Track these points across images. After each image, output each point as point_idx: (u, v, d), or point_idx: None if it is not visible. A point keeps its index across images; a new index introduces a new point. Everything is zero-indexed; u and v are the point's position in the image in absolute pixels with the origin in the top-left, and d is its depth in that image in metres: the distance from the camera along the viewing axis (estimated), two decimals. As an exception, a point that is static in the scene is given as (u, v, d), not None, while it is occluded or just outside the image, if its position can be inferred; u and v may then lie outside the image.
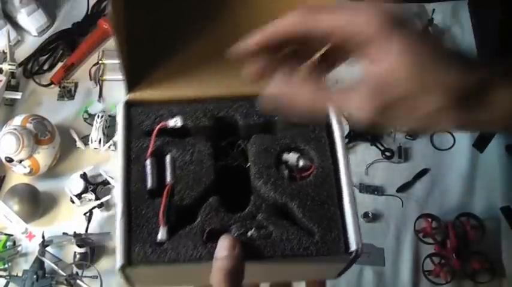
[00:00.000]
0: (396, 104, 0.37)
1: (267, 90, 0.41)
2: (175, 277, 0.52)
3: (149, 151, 0.49)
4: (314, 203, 0.47)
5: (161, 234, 0.46)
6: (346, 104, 0.39)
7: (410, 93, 0.36)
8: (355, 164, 0.98)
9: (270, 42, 0.41)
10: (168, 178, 0.48)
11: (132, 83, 0.52)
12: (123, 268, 0.46)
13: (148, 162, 0.48)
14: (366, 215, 0.93)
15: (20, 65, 1.06)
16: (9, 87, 1.03)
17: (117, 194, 0.48)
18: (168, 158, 0.49)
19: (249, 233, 0.46)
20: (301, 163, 0.50)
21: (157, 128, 0.49)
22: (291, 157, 0.50)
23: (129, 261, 0.46)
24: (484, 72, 0.37)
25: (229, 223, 0.47)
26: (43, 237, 0.85)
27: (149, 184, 0.48)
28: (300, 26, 0.40)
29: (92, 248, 0.87)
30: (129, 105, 0.52)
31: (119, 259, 0.46)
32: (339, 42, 0.40)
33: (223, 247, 0.44)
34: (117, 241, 0.46)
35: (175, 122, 0.49)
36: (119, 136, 0.50)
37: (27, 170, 0.90)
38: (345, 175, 0.48)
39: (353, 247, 0.45)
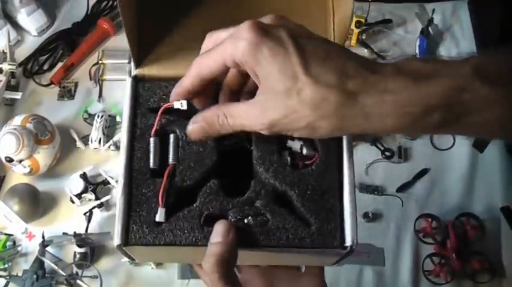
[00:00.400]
0: (278, 122, 0.40)
1: (188, 128, 0.45)
2: (171, 256, 0.52)
3: (153, 129, 0.49)
4: (314, 193, 0.47)
5: (159, 215, 0.46)
6: (242, 124, 0.42)
7: (283, 115, 0.39)
8: (355, 163, 0.98)
9: (189, 92, 0.45)
10: (171, 159, 0.48)
11: (140, 59, 0.52)
12: (119, 247, 0.46)
13: (152, 140, 0.48)
14: (366, 215, 0.93)
15: (20, 65, 1.06)
16: (9, 87, 1.03)
17: (119, 171, 0.48)
18: (171, 137, 0.49)
19: (246, 221, 0.47)
20: (304, 151, 0.49)
21: (162, 108, 0.48)
22: (295, 144, 0.49)
23: (126, 240, 0.46)
24: (354, 82, 0.38)
25: (227, 207, 0.47)
26: (43, 237, 0.85)
27: (151, 163, 0.48)
28: (199, 76, 0.43)
29: (92, 248, 0.87)
30: (136, 81, 0.52)
31: (116, 237, 0.46)
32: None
33: (217, 232, 0.44)
34: (116, 219, 0.46)
35: (181, 104, 0.47)
36: (125, 111, 0.50)
37: (27, 170, 0.90)
38: (347, 167, 0.48)
39: (348, 242, 0.45)
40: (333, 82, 0.37)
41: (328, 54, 0.39)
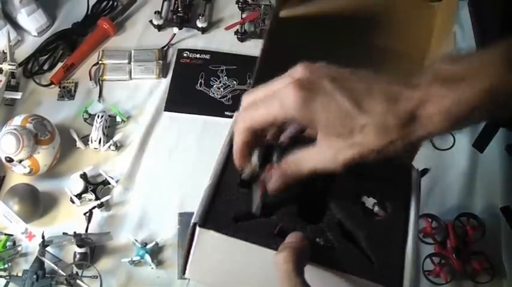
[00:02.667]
0: (351, 160, 0.45)
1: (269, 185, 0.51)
2: (231, 266, 0.52)
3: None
4: (380, 240, 0.51)
5: (256, 208, 0.51)
6: (314, 166, 0.47)
7: (354, 153, 0.44)
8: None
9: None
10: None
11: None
12: (193, 228, 0.49)
13: (256, 151, 0.52)
14: (366, 215, 0.93)
15: (20, 65, 1.06)
16: (9, 87, 1.03)
17: (215, 164, 0.54)
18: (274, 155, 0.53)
19: (317, 240, 0.50)
20: (375, 209, 0.54)
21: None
22: (369, 201, 0.54)
23: (204, 222, 0.49)
24: (403, 104, 0.41)
25: (300, 229, 0.50)
26: (43, 237, 0.85)
27: (244, 174, 0.53)
28: (250, 130, 0.47)
29: (92, 248, 0.87)
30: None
31: (195, 216, 0.49)
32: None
33: (293, 236, 0.47)
34: (199, 204, 0.50)
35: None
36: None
37: (27, 170, 0.90)
38: (412, 226, 0.53)
39: (406, 286, 0.48)
40: (386, 110, 0.41)
41: (370, 86, 0.42)
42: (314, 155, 0.46)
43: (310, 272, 0.46)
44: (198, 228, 0.49)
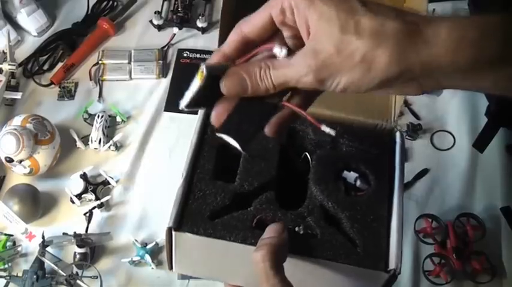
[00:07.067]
0: (329, 61, 0.37)
1: (224, 80, 0.40)
2: (213, 261, 0.52)
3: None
4: (364, 219, 0.49)
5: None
6: (285, 75, 0.39)
7: (336, 50, 0.36)
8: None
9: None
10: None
11: None
12: (170, 231, 0.48)
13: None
14: (366, 215, 0.93)
15: (20, 65, 1.06)
16: (9, 87, 1.03)
17: (185, 162, 0.52)
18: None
19: (297, 229, 0.49)
20: (358, 183, 0.52)
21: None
22: (351, 176, 0.52)
23: (179, 225, 0.48)
24: (411, 16, 0.37)
25: (280, 218, 0.49)
26: (43, 237, 0.85)
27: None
28: (240, 35, 0.41)
29: (91, 248, 0.87)
30: None
31: (169, 220, 0.48)
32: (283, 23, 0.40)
33: (271, 229, 0.45)
34: (173, 205, 0.49)
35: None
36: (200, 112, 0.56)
37: (27, 170, 0.90)
38: (397, 197, 0.50)
39: (392, 266, 0.46)
40: (392, 14, 0.36)
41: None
42: (290, 60, 0.39)
43: (292, 264, 0.45)
44: (173, 232, 0.48)
